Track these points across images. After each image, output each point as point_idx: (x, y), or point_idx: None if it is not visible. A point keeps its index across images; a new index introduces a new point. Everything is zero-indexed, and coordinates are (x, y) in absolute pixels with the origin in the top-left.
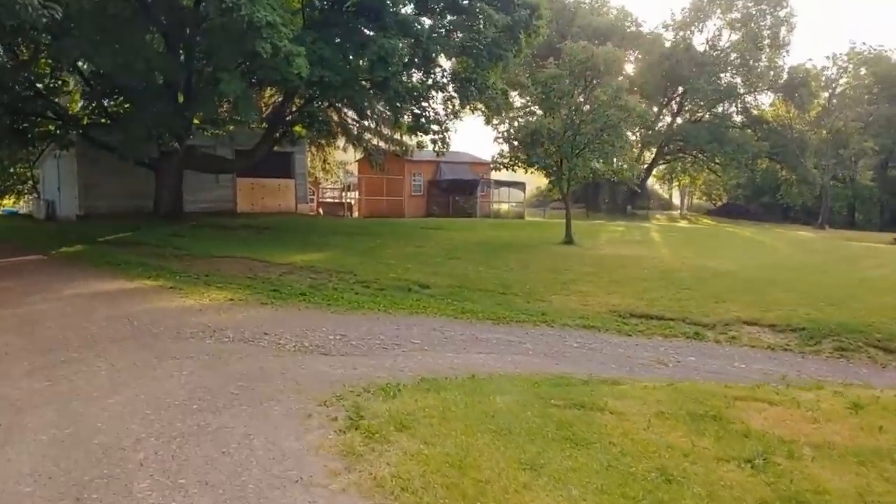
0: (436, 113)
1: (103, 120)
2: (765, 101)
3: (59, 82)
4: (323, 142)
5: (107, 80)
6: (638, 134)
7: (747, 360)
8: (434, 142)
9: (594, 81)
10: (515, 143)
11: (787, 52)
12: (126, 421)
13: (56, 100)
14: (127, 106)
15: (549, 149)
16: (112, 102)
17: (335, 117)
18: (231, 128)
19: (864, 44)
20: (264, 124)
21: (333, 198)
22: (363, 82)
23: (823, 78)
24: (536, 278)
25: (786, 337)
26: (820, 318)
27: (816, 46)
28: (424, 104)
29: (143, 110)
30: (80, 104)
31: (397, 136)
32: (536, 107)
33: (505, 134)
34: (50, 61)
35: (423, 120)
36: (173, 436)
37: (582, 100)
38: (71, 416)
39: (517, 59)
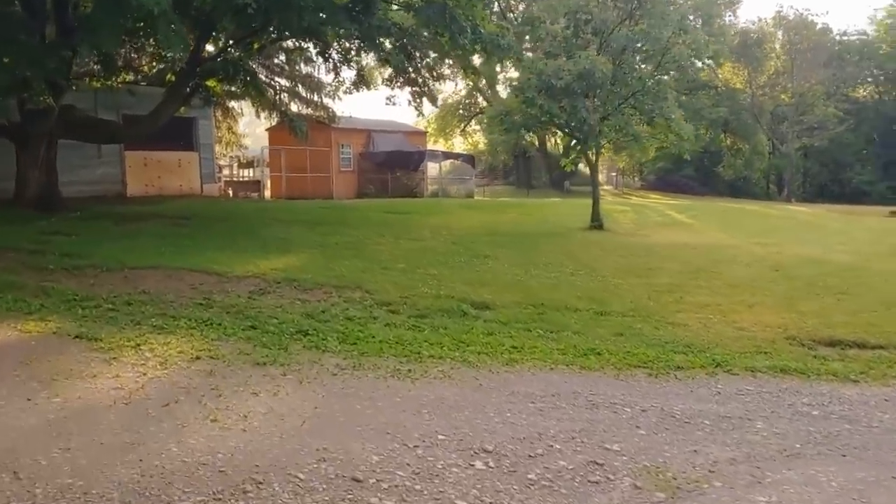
0: (420, 56)
1: None
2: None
3: None
4: (234, 104)
5: None
6: None
7: None
8: (415, 95)
9: (638, 12)
10: (545, 93)
11: (735, 11)
12: None
13: None
14: None
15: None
16: None
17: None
18: (129, 77)
19: (791, 7)
20: (170, 76)
21: (230, 176)
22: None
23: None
24: (624, 286)
25: None
26: None
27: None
28: (405, 41)
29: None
30: None
31: (317, 98)
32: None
33: (537, 80)
34: None
35: (407, 64)
36: None
37: (627, 33)
38: None
39: None
